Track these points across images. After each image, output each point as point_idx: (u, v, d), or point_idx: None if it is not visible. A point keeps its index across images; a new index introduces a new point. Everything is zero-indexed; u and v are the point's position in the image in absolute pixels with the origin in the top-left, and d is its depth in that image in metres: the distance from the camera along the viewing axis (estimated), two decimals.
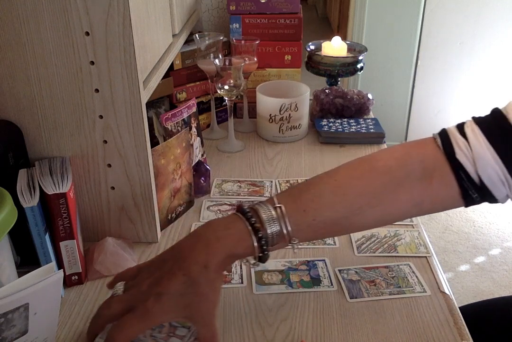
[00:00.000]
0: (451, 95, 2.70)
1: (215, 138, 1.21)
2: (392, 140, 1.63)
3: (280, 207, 0.61)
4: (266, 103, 1.17)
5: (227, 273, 0.77)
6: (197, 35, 1.10)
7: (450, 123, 0.69)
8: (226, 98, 1.08)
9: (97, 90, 0.72)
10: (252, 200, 0.96)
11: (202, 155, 1.00)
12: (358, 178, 0.65)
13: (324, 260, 0.81)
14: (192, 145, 0.94)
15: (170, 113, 0.86)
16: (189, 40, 1.13)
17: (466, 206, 0.66)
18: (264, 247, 0.60)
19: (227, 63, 1.06)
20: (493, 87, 2.65)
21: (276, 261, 0.80)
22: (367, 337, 0.67)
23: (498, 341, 0.84)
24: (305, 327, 0.68)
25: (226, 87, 1.05)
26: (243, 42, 1.16)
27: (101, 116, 0.74)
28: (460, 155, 0.63)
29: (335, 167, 0.67)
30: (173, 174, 0.87)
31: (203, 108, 1.20)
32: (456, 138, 0.64)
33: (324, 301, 0.73)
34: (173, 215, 0.91)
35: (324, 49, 1.33)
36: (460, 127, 0.65)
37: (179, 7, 1.01)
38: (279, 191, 0.99)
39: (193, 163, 0.95)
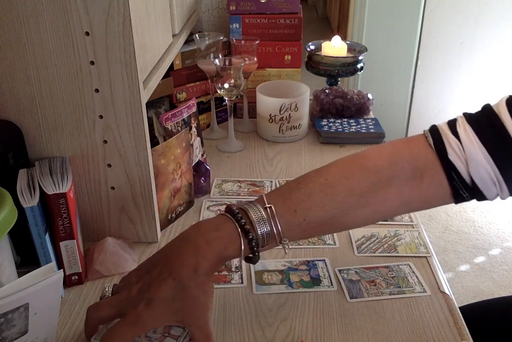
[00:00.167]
0: (451, 95, 2.70)
1: (215, 138, 1.21)
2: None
3: (270, 207, 0.61)
4: (266, 103, 1.17)
5: (227, 273, 0.77)
6: (197, 35, 1.10)
7: None
8: (226, 98, 1.08)
9: (97, 90, 0.72)
10: (252, 200, 0.96)
11: (202, 155, 1.00)
12: (348, 177, 0.64)
13: (324, 260, 0.81)
14: (192, 145, 0.94)
15: (170, 113, 0.86)
16: (189, 40, 1.13)
17: (456, 203, 0.66)
18: (255, 248, 0.59)
19: (227, 63, 1.06)
20: (493, 87, 2.64)
21: (276, 261, 0.80)
22: (367, 337, 0.67)
23: (498, 341, 0.84)
24: (305, 327, 0.68)
25: (226, 87, 1.05)
26: (243, 42, 1.16)
27: (101, 116, 0.74)
28: (452, 156, 0.62)
29: (325, 165, 0.67)
30: (173, 174, 0.87)
31: (203, 108, 1.20)
32: (449, 138, 0.63)
33: (324, 301, 0.73)
34: (173, 215, 0.91)
35: (324, 49, 1.33)
36: (452, 125, 0.64)
37: (179, 7, 1.01)
38: None
39: (193, 163, 0.95)
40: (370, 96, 1.27)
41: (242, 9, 1.20)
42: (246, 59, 1.13)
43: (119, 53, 0.69)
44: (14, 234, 0.64)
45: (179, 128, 0.88)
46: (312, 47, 1.36)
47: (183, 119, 0.90)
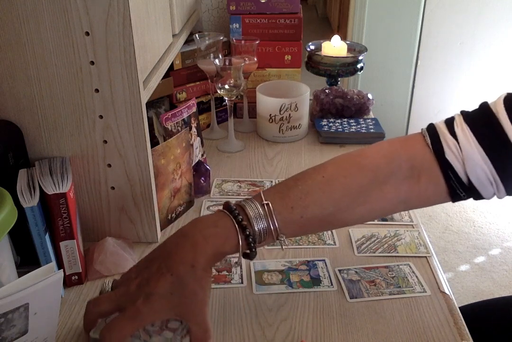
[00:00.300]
0: (451, 95, 2.70)
1: (215, 138, 1.21)
2: None
3: (267, 204, 0.61)
4: (266, 103, 1.17)
5: (227, 273, 0.77)
6: (197, 35, 1.10)
7: None
8: (226, 98, 1.08)
9: (97, 90, 0.72)
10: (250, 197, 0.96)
11: (202, 155, 1.00)
12: (346, 176, 0.64)
13: (324, 260, 0.81)
14: (192, 145, 0.94)
15: (170, 113, 0.86)
16: (189, 40, 1.13)
17: (453, 202, 0.66)
18: (252, 244, 0.60)
19: (227, 63, 1.06)
20: (493, 87, 2.65)
21: (276, 261, 0.80)
22: (367, 337, 0.67)
23: (498, 341, 0.84)
24: (305, 327, 0.68)
25: (226, 87, 1.05)
26: (243, 42, 1.16)
27: (101, 116, 0.74)
28: (449, 155, 0.63)
29: (323, 163, 0.67)
30: (173, 174, 0.87)
31: (203, 108, 1.20)
32: (446, 138, 0.63)
33: (324, 301, 0.73)
34: (173, 215, 0.91)
35: (324, 49, 1.33)
36: (450, 124, 0.65)
37: (179, 7, 1.01)
38: None
39: (193, 164, 0.95)
40: (370, 96, 1.27)
41: (242, 9, 1.20)
42: (246, 59, 1.13)
43: (119, 53, 0.69)
44: (14, 234, 0.64)
45: (179, 128, 0.88)
46: (312, 47, 1.36)
47: (183, 119, 0.90)
